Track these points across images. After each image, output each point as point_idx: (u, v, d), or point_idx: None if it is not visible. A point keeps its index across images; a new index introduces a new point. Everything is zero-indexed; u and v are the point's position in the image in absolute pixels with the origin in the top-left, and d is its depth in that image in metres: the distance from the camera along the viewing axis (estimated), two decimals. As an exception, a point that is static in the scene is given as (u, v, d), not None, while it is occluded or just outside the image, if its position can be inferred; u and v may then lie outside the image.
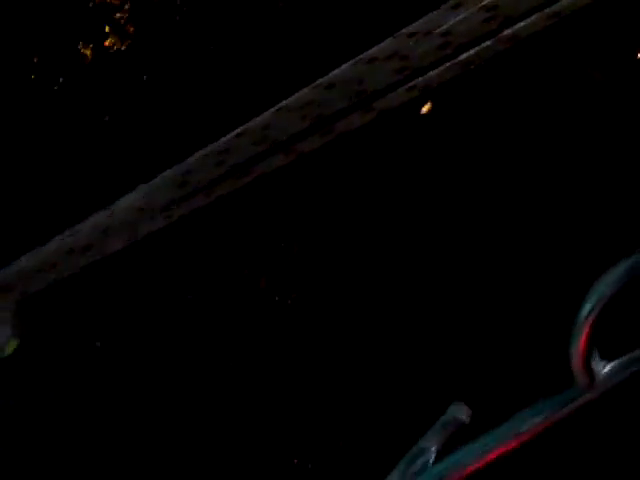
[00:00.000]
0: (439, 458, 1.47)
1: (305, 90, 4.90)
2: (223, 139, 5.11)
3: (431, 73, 3.93)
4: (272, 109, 4.90)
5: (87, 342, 6.10)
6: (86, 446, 5.52)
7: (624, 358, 1.40)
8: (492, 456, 1.42)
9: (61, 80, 6.73)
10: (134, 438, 5.84)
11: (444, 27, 4.02)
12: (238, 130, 5.05)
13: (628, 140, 5.44)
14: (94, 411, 5.81)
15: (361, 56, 4.52)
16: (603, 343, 1.40)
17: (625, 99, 5.51)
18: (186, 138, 5.65)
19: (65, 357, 5.95)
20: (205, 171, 5.46)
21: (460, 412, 1.50)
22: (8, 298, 6.37)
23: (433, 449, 1.48)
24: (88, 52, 6.72)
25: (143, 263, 6.03)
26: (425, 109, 5.55)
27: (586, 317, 1.36)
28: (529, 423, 1.40)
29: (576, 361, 1.37)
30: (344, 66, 4.67)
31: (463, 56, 3.80)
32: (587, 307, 1.36)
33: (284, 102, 4.91)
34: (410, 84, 3.91)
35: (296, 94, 4.86)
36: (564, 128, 5.78)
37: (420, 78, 3.91)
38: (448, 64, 3.86)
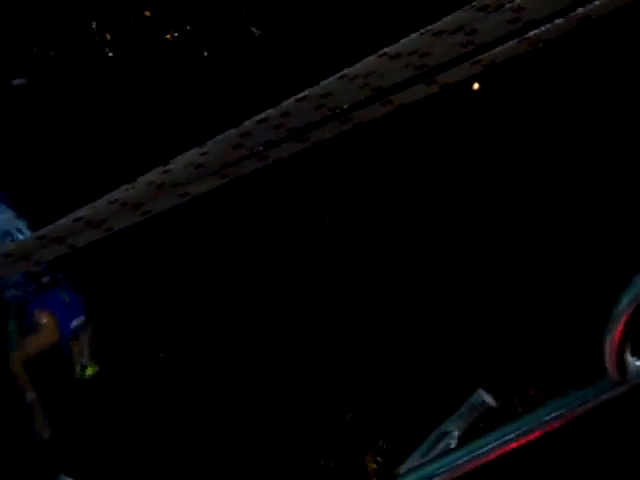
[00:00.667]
0: (463, 442, 1.47)
1: (370, 58, 4.84)
2: (284, 103, 5.07)
3: (497, 49, 3.86)
4: (334, 76, 4.83)
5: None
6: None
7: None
8: (516, 444, 1.41)
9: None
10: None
11: (516, 1, 3.95)
12: (298, 95, 4.99)
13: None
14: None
15: (428, 27, 4.47)
16: (637, 338, 1.37)
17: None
18: (244, 101, 5.65)
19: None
20: (263, 134, 5.41)
21: (487, 398, 1.49)
22: (58, 250, 6.43)
23: (457, 433, 1.48)
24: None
25: (193, 224, 6.07)
26: (476, 85, 5.48)
27: (623, 311, 1.33)
28: (556, 413, 1.39)
29: (609, 354, 1.35)
30: (411, 36, 4.61)
31: (532, 32, 3.72)
32: (624, 301, 1.34)
33: (347, 70, 4.84)
34: (475, 59, 3.85)
35: (360, 62, 4.79)
36: (618, 119, 5.67)
37: (486, 53, 3.84)
38: (516, 40, 3.79)
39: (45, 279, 5.36)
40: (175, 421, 5.75)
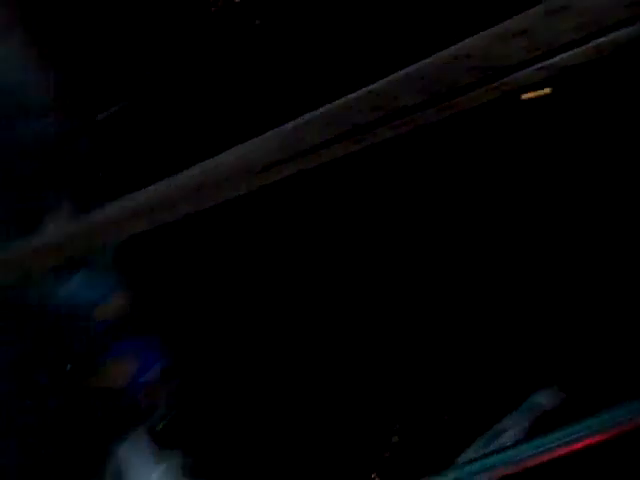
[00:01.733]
0: (519, 440, 1.47)
1: (430, 60, 4.84)
2: (337, 102, 5.09)
3: (562, 55, 3.83)
4: (393, 75, 4.84)
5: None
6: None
7: None
8: (578, 446, 1.40)
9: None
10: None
11: (582, 5, 3.90)
12: (354, 95, 5.01)
13: None
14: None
15: (493, 29, 4.45)
16: None
17: None
18: (296, 99, 5.66)
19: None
20: (314, 133, 5.44)
21: (548, 398, 1.49)
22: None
23: (513, 431, 1.48)
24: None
25: (236, 224, 6.11)
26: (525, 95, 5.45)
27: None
28: (620, 419, 1.38)
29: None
30: (475, 37, 4.59)
31: (599, 40, 3.69)
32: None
33: (405, 70, 4.85)
34: (540, 65, 3.82)
35: (418, 63, 4.80)
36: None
37: (550, 60, 3.82)
38: (583, 47, 3.76)
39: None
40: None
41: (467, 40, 4.58)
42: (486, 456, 1.40)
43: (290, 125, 5.54)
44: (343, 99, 5.18)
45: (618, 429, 1.36)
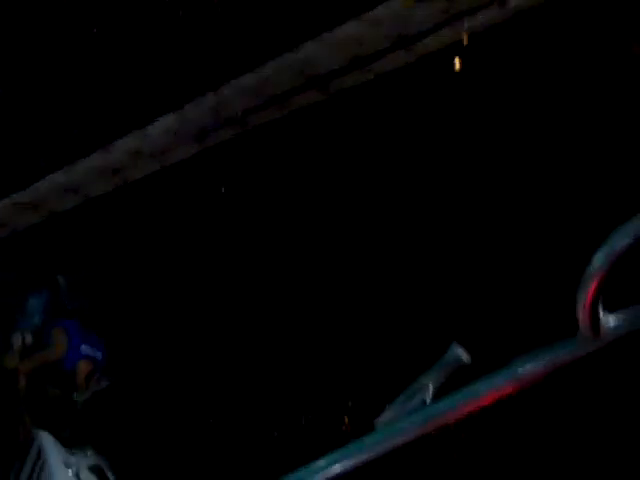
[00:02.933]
0: (437, 397, 1.52)
1: (350, 24, 4.86)
2: (258, 70, 5.08)
3: (478, 16, 3.88)
4: (313, 40, 4.85)
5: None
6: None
7: (631, 310, 1.44)
8: (489, 400, 1.46)
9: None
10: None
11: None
12: (274, 61, 5.03)
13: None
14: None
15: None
16: (611, 295, 1.43)
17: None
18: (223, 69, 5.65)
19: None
20: (239, 101, 5.45)
21: (461, 353, 1.54)
22: (34, 217, 6.47)
23: (431, 388, 1.53)
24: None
25: (173, 190, 6.09)
26: (458, 64, 5.53)
27: (596, 268, 1.39)
28: (529, 369, 1.44)
29: (582, 311, 1.41)
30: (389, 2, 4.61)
31: (513, 2, 3.74)
32: (597, 259, 1.39)
33: (326, 34, 4.87)
34: (454, 24, 3.87)
35: (339, 27, 4.82)
36: (597, 93, 5.73)
37: (466, 21, 3.87)
38: (497, 8, 3.81)
39: (70, 306, 6.15)
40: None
41: (379, 7, 4.61)
42: (400, 419, 1.45)
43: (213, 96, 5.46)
44: (269, 66, 5.15)
45: (522, 382, 1.42)
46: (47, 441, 5.17)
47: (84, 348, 5.92)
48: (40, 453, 4.96)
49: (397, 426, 1.48)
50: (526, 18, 4.69)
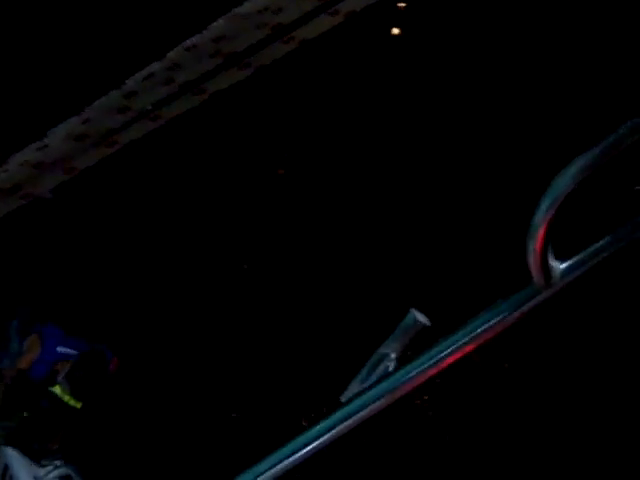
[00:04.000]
0: (400, 364, 1.53)
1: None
2: (169, 54, 5.00)
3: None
4: (223, 17, 4.77)
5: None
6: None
7: (579, 255, 1.46)
8: (451, 360, 1.48)
9: None
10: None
11: None
12: (188, 42, 4.95)
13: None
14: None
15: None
16: (560, 242, 1.45)
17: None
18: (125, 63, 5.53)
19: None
20: (151, 91, 5.31)
21: (419, 317, 1.55)
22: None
23: (393, 356, 1.54)
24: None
25: (86, 198, 6.01)
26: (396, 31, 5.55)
27: (542, 216, 1.41)
28: (487, 324, 1.46)
29: (533, 260, 1.43)
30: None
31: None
32: (543, 206, 1.41)
33: (236, 9, 4.79)
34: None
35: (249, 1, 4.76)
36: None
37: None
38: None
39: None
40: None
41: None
42: (365, 391, 1.46)
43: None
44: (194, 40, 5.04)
45: (482, 338, 1.44)
46: (12, 457, 5.10)
47: (60, 349, 5.96)
48: (6, 470, 4.90)
49: (364, 398, 1.48)
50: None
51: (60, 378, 5.78)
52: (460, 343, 1.47)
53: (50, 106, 5.50)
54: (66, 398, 5.70)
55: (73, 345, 5.98)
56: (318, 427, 1.49)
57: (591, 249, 1.46)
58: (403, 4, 6.06)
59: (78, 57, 6.09)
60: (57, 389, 5.77)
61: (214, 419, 5.94)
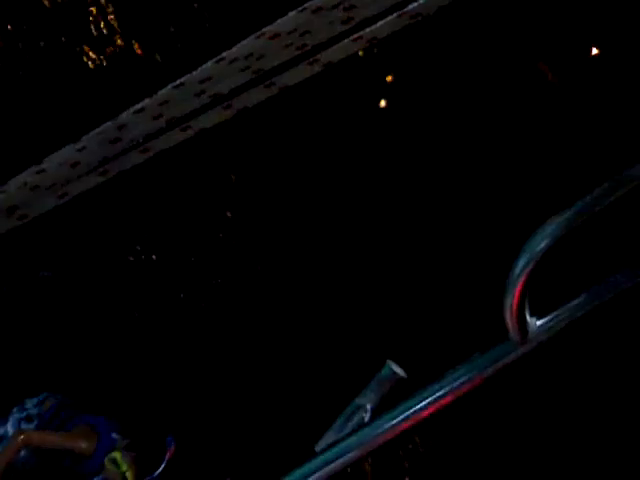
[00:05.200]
0: (375, 415, 1.55)
1: (249, 40, 4.89)
2: (161, 92, 5.09)
3: (379, 23, 3.96)
4: (212, 60, 4.88)
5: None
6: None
7: (556, 312, 1.49)
8: (426, 413, 1.50)
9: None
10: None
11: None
12: (176, 82, 5.03)
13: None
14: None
15: (306, 5, 4.54)
16: (537, 298, 1.49)
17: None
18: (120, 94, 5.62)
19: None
20: (141, 125, 5.42)
21: (396, 369, 1.58)
22: None
23: (369, 407, 1.56)
24: None
25: (76, 224, 6.03)
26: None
27: (520, 272, 1.44)
28: (463, 379, 1.49)
29: (509, 316, 1.46)
30: (290, 14, 4.67)
31: (411, 6, 3.84)
32: (521, 262, 1.44)
33: (225, 53, 4.90)
34: (356, 35, 3.95)
35: (239, 44, 4.84)
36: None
37: (367, 29, 3.94)
38: (396, 14, 3.89)
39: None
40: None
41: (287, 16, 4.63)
42: (340, 441, 1.48)
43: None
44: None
45: (457, 392, 1.47)
46: None
47: (114, 435, 5.33)
48: None
49: (338, 448, 1.50)
50: (434, 23, 4.80)
51: (120, 446, 5.32)
52: (435, 397, 1.49)
53: (48, 134, 5.59)
54: (124, 467, 5.27)
55: (122, 431, 5.53)
56: (290, 477, 1.51)
57: (568, 306, 1.49)
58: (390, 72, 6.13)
59: (76, 92, 6.19)
60: (117, 455, 5.29)
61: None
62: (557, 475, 5.13)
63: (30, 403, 5.46)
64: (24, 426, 5.33)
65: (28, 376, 5.98)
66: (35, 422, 5.36)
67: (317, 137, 6.06)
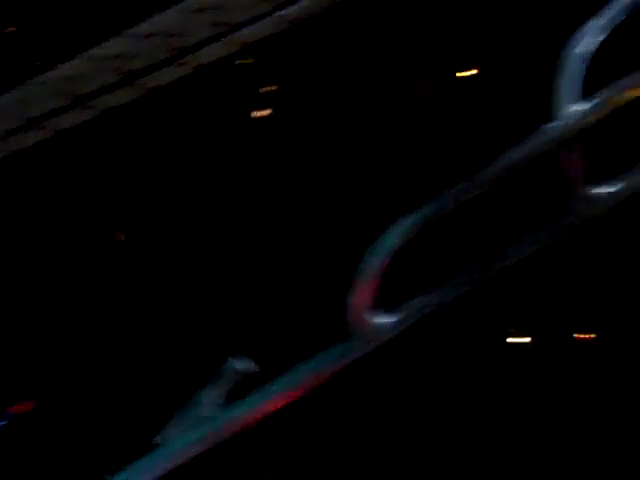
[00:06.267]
0: (213, 413, 1.54)
1: (116, 39, 4.82)
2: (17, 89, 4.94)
3: (250, 27, 3.95)
4: (80, 57, 4.76)
5: None
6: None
7: (401, 310, 1.51)
8: (266, 411, 1.50)
9: None
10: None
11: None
12: (41, 77, 4.88)
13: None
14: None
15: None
16: (383, 296, 1.50)
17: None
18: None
19: None
20: None
21: (238, 365, 1.57)
22: None
23: (208, 403, 1.54)
24: None
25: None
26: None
27: (367, 270, 1.46)
28: (304, 378, 1.49)
29: (353, 314, 1.47)
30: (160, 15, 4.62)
31: (285, 11, 3.84)
32: (369, 260, 1.46)
33: (93, 50, 4.78)
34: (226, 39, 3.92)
35: (105, 43, 4.75)
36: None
37: (237, 32, 3.93)
38: (269, 18, 3.89)
39: None
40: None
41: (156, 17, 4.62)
42: (177, 437, 1.46)
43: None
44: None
45: (296, 392, 1.47)
46: None
47: None
48: None
49: (175, 443, 1.48)
50: (304, 30, 4.82)
51: None
52: (275, 395, 1.49)
53: None
54: None
55: None
56: (126, 472, 1.48)
57: (413, 304, 1.51)
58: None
59: None
60: None
61: None
62: (403, 474, 5.20)
63: None
64: None
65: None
66: None
67: (182, 145, 6.04)
